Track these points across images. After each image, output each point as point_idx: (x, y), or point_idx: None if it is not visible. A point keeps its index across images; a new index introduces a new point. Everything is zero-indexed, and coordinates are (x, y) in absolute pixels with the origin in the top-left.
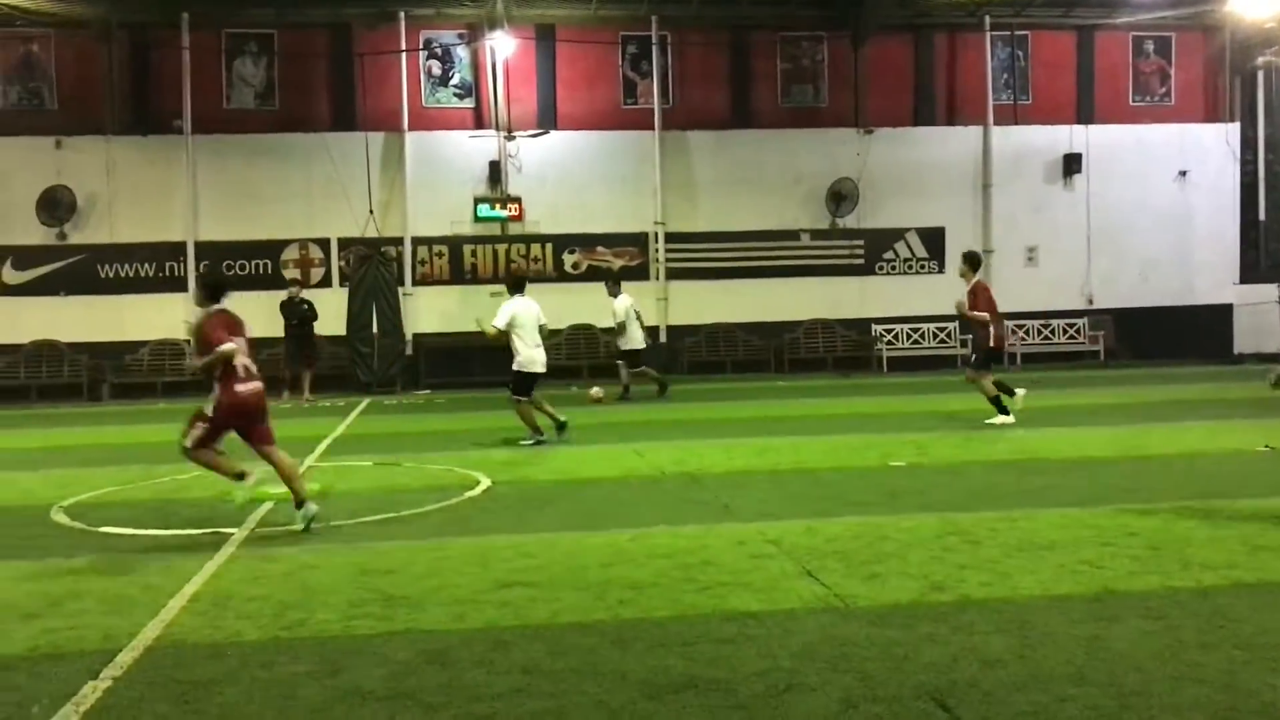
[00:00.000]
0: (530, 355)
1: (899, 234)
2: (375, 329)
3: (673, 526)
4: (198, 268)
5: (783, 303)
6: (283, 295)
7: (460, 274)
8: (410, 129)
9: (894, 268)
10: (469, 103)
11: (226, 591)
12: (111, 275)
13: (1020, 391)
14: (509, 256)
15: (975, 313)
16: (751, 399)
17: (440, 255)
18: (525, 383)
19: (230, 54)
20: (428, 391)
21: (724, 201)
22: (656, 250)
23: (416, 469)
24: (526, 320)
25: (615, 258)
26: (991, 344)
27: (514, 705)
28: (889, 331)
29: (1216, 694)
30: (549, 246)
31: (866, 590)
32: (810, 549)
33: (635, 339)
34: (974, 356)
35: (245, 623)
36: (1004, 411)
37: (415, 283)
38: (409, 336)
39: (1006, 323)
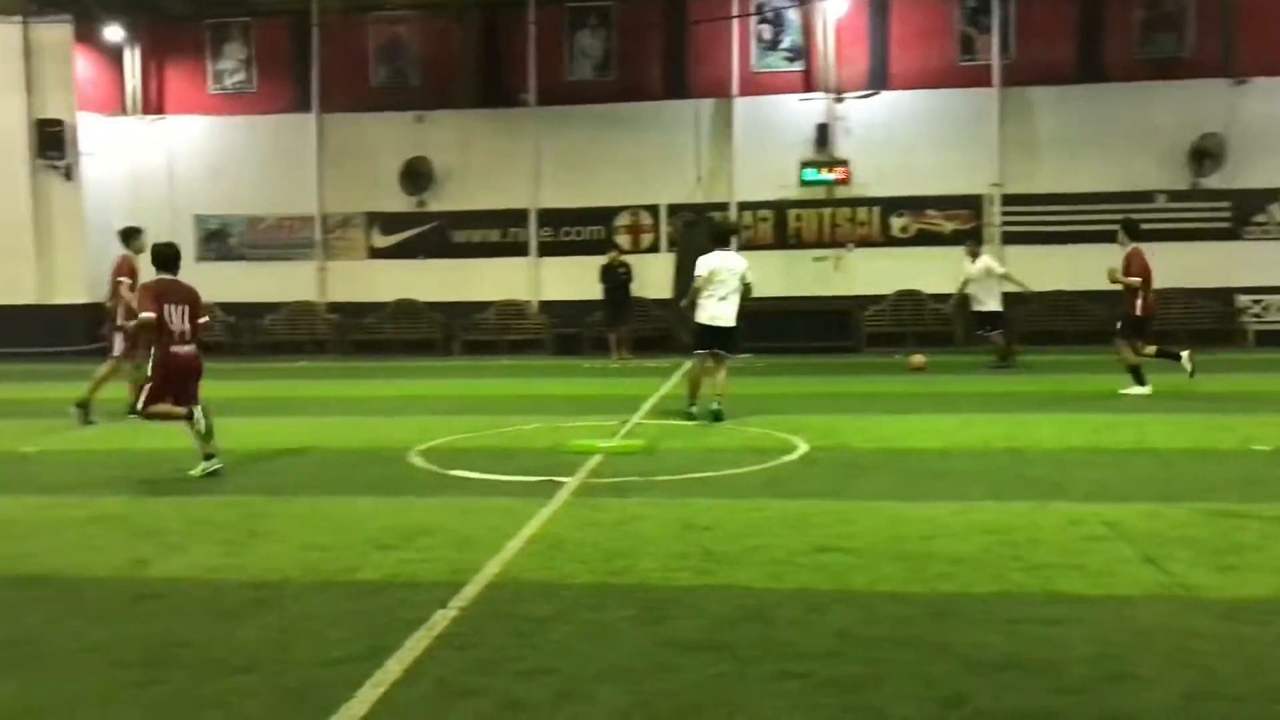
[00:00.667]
0: (714, 310)
1: (1273, 194)
2: None
3: (999, 502)
4: (539, 233)
5: None
6: (604, 260)
7: (785, 238)
8: (739, 94)
9: (1265, 232)
10: (798, 66)
11: (560, 536)
12: (463, 240)
13: (1184, 353)
14: (834, 220)
15: (1128, 278)
16: (1091, 372)
17: (765, 220)
18: (705, 337)
19: (572, 27)
20: (748, 355)
21: (1068, 162)
22: (991, 214)
23: (735, 431)
24: (724, 275)
25: (946, 221)
26: (1139, 312)
27: (829, 666)
28: (1257, 302)
29: None
30: (876, 210)
31: (1217, 582)
32: (1152, 534)
33: (993, 301)
34: (1121, 325)
35: (576, 566)
36: (1141, 383)
37: (740, 247)
38: None
39: None
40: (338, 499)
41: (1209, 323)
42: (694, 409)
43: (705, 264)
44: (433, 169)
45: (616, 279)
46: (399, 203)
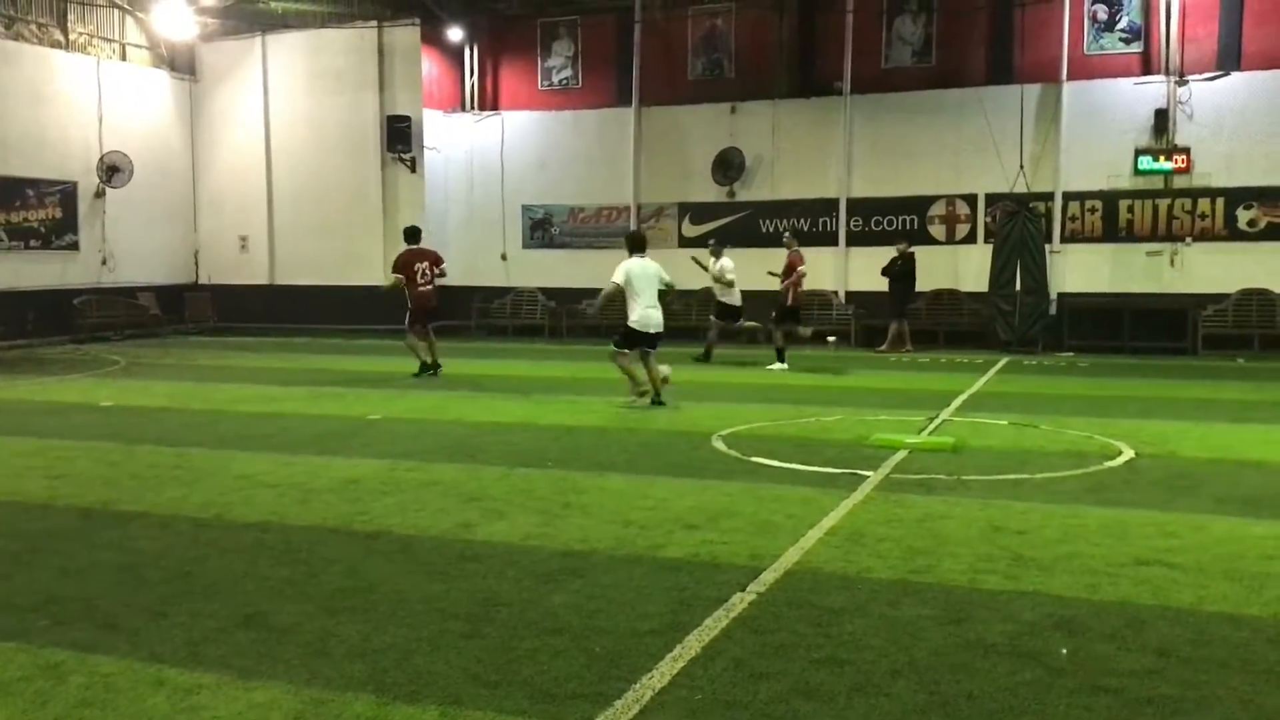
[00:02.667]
0: (643, 315)
1: None
2: (1018, 286)
3: None
4: (849, 223)
5: None
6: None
7: (1114, 231)
8: (1069, 78)
9: None
10: (1136, 47)
11: (860, 529)
12: (771, 229)
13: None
14: (1171, 212)
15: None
16: None
17: (1093, 211)
18: (631, 338)
19: (890, 14)
20: (1071, 354)
21: None
22: None
23: (1054, 433)
24: (641, 280)
25: None
26: (790, 303)
27: (1145, 685)
28: None
29: None
30: (1219, 201)
31: None
32: None
33: None
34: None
35: (876, 560)
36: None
37: (1064, 239)
38: (1054, 295)
39: None
40: (646, 478)
41: None
42: (642, 393)
43: (622, 270)
44: (744, 159)
45: (895, 270)
46: (710, 193)
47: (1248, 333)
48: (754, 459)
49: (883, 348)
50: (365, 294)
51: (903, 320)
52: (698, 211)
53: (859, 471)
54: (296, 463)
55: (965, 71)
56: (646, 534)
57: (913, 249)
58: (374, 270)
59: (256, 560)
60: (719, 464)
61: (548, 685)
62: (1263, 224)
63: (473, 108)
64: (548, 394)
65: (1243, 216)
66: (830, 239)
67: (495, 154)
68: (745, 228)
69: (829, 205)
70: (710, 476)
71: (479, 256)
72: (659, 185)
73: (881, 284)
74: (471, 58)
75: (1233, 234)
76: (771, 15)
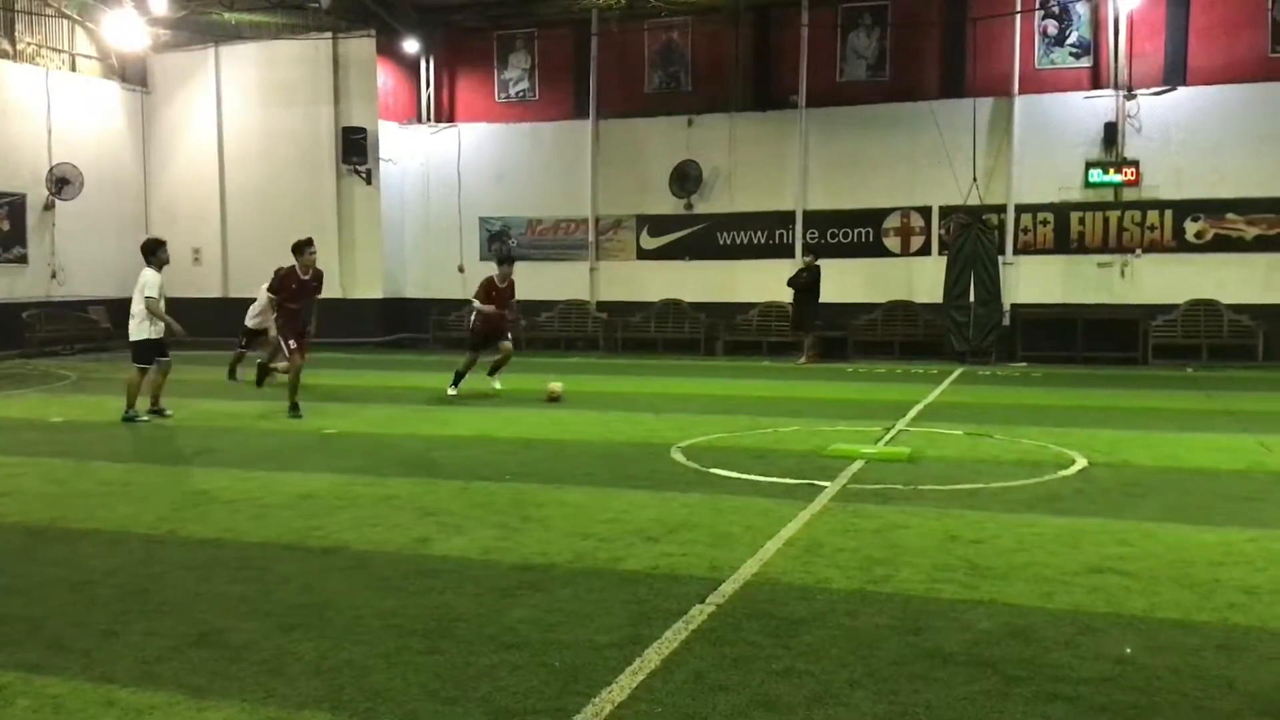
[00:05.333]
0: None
1: None
2: (972, 297)
3: None
4: (805, 235)
5: None
6: (804, 261)
7: (1066, 243)
8: (1020, 92)
9: None
10: (1085, 62)
11: (818, 540)
12: (728, 242)
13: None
14: (1121, 224)
15: None
16: None
17: (1045, 223)
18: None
19: (845, 28)
20: (1024, 364)
21: None
22: None
23: (1008, 442)
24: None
25: (1249, 226)
26: None
27: (1100, 692)
28: None
29: None
30: (1168, 213)
31: None
32: None
33: None
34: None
35: (834, 571)
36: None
37: (1017, 251)
38: (1007, 306)
39: None
40: (605, 490)
41: None
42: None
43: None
44: (701, 172)
45: (803, 282)
46: (668, 205)
47: (1196, 342)
48: (713, 470)
49: (802, 360)
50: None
51: (812, 332)
52: (656, 224)
53: (816, 482)
54: (251, 478)
55: (919, 85)
56: (606, 547)
57: (819, 262)
58: (330, 283)
59: (210, 577)
60: (678, 476)
61: (506, 701)
62: (1210, 236)
63: (429, 120)
64: (511, 406)
65: (1190, 228)
66: (787, 251)
67: (452, 166)
68: (703, 240)
69: (786, 218)
70: (669, 488)
71: (436, 269)
72: (617, 197)
73: (840, 296)
74: (428, 69)
75: (1181, 246)
76: (728, 28)
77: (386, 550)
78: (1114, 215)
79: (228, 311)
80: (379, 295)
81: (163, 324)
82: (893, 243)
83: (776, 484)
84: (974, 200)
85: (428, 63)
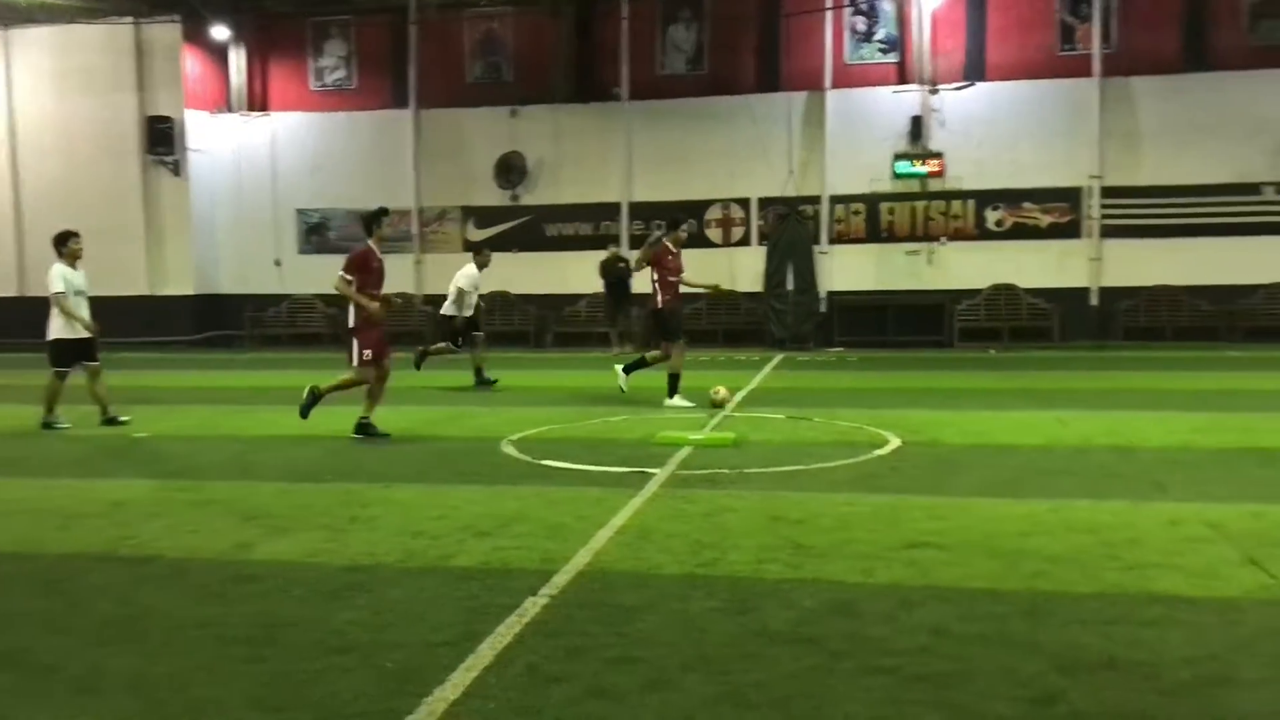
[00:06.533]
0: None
1: None
2: (790, 286)
3: (1096, 500)
4: (630, 226)
5: (1237, 264)
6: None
7: (877, 232)
8: (832, 87)
9: None
10: (892, 58)
11: (649, 527)
12: (555, 234)
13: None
14: (927, 214)
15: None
16: (1196, 369)
17: (857, 213)
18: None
19: (665, 21)
20: (840, 349)
21: (1171, 153)
22: (1090, 206)
23: (827, 424)
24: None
25: (1043, 214)
26: None
27: (919, 663)
28: None
29: None
30: (970, 203)
31: None
32: (1257, 535)
33: None
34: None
35: (665, 556)
36: None
37: (832, 240)
38: (823, 294)
39: None
40: (435, 487)
41: None
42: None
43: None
44: (526, 163)
45: (616, 272)
46: (493, 197)
47: (998, 325)
48: (544, 462)
49: (614, 350)
50: (128, 305)
51: (621, 322)
52: (483, 216)
53: (646, 470)
54: (56, 487)
55: (736, 79)
56: (437, 544)
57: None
58: (136, 279)
59: (11, 593)
60: (509, 469)
61: (336, 706)
62: (1009, 224)
63: (240, 108)
64: (328, 405)
65: (991, 217)
66: (615, 242)
67: (266, 156)
68: (531, 231)
69: (611, 209)
70: (501, 482)
71: (250, 263)
72: (440, 189)
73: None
74: (238, 57)
75: (983, 234)
76: (549, 20)
77: (205, 557)
78: (921, 205)
79: (26, 312)
80: (190, 291)
81: (79, 323)
82: (714, 233)
83: (607, 473)
84: (791, 192)
85: (238, 50)
